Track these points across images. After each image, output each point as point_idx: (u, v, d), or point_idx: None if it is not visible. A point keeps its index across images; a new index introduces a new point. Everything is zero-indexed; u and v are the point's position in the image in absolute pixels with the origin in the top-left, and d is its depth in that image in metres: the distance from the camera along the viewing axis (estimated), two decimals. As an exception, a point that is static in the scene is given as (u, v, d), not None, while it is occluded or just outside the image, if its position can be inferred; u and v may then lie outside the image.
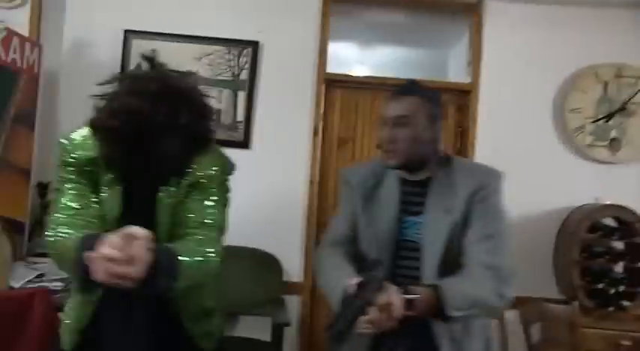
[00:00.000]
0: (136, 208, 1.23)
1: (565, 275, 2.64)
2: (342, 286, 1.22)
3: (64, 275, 2.22)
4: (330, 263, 1.39)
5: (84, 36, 2.73)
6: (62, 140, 1.24)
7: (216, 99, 2.69)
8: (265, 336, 2.45)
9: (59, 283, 2.13)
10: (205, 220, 1.24)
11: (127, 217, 1.20)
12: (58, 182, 1.23)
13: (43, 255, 2.45)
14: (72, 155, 1.22)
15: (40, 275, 2.16)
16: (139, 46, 2.68)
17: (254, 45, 2.72)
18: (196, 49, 2.69)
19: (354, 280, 1.20)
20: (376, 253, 1.39)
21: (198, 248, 1.18)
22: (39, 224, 2.60)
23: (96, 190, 1.23)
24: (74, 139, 1.23)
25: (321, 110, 2.78)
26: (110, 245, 0.99)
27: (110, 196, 1.23)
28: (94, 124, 1.14)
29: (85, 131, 1.24)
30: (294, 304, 2.73)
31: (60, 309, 1.80)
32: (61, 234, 1.15)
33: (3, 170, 2.28)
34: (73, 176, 1.22)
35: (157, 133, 1.10)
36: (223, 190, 1.31)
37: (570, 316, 2.27)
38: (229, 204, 1.33)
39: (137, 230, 1.02)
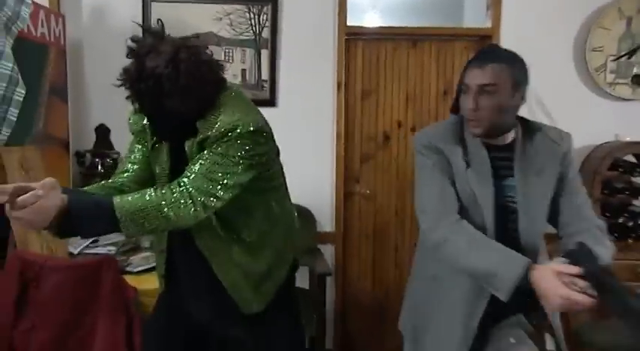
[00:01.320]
0: (177, 164, 1.36)
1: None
2: (521, 269, 1.21)
3: (116, 239, 2.37)
4: (474, 238, 1.32)
5: (102, 2, 2.72)
6: (129, 112, 1.44)
7: (240, 59, 2.72)
8: (304, 284, 2.62)
9: (113, 248, 2.27)
10: (198, 171, 1.26)
11: (174, 173, 1.34)
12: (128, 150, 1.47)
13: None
14: (132, 125, 1.46)
15: (95, 241, 2.30)
16: (158, 10, 2.67)
17: (273, 2, 2.70)
18: (216, 9, 2.67)
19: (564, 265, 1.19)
20: (479, 219, 1.36)
21: (162, 198, 1.21)
22: (81, 192, 2.72)
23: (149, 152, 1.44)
24: (131, 112, 1.43)
25: (344, 64, 2.80)
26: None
27: (156, 155, 1.41)
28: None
29: None
30: (327, 253, 2.88)
31: (123, 273, 1.98)
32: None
33: (47, 144, 2.36)
34: (135, 145, 1.46)
35: (162, 92, 1.21)
36: (237, 148, 1.27)
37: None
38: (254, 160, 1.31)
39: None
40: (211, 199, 1.25)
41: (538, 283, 1.20)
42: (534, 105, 2.82)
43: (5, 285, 1.75)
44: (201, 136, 1.28)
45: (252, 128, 1.27)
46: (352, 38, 2.84)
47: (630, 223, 2.73)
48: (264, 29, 2.71)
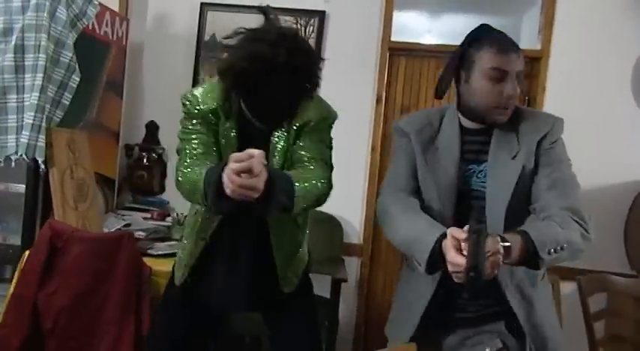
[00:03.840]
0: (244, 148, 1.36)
1: (636, 249, 2.55)
2: (433, 236, 1.20)
3: (147, 226, 2.50)
4: (407, 212, 1.33)
5: (166, 9, 2.96)
6: (187, 95, 1.42)
7: (284, 68, 2.83)
8: (325, 293, 2.61)
9: (143, 233, 2.40)
10: (316, 156, 1.39)
11: None
12: (184, 133, 1.42)
13: (130, 208, 2.76)
14: (196, 107, 1.39)
15: (127, 225, 2.44)
16: (213, 18, 2.86)
17: (321, 14, 2.80)
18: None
19: (459, 230, 1.16)
20: (439, 204, 1.36)
21: (310, 175, 1.33)
22: (126, 182, 2.91)
23: (216, 139, 1.41)
24: (197, 94, 1.41)
25: (385, 78, 2.83)
26: (235, 160, 1.15)
27: (228, 142, 1.40)
28: (222, 70, 1.29)
29: (205, 87, 1.43)
30: (353, 265, 2.85)
31: (144, 254, 2.08)
32: (188, 174, 1.34)
33: (96, 131, 2.57)
34: (197, 127, 1.40)
35: (276, 75, 1.25)
36: (329, 134, 1.46)
37: (636, 289, 2.20)
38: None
39: (252, 150, 1.17)
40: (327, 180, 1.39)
41: (443, 251, 1.16)
42: (582, 131, 2.69)
43: (37, 250, 1.90)
44: (302, 121, 1.38)
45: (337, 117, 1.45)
46: (396, 54, 2.87)
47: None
48: (310, 41, 2.82)
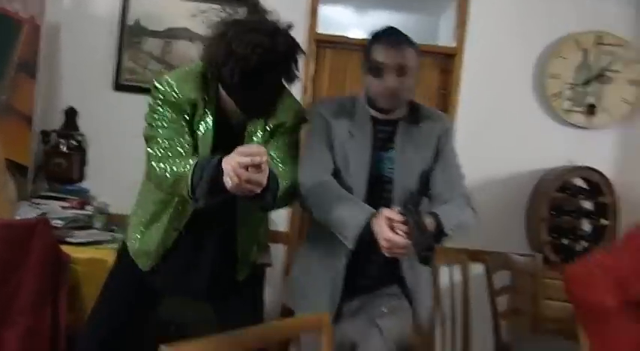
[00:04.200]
0: (226, 146, 1.34)
1: (534, 231, 2.82)
2: (365, 217, 1.35)
3: (66, 215, 2.41)
4: (336, 194, 1.44)
5: (84, -10, 2.83)
6: (162, 81, 1.37)
7: (211, 55, 2.81)
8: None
9: (60, 221, 2.31)
10: (287, 157, 1.45)
11: (218, 152, 1.33)
12: (154, 119, 1.37)
13: (47, 197, 2.63)
14: (174, 95, 1.35)
15: (43, 214, 2.34)
16: (136, 2, 2.78)
17: (249, 4, 2.81)
18: (192, 6, 2.79)
19: (394, 211, 1.33)
20: (353, 187, 1.50)
21: (284, 176, 1.38)
22: (43, 169, 2.77)
23: (189, 129, 1.39)
24: (172, 81, 1.37)
25: (311, 70, 2.90)
26: (243, 154, 1.16)
27: (204, 134, 1.38)
28: (216, 59, 1.28)
29: (177, 74, 1.40)
30: (279, 252, 2.92)
31: (62, 242, 2.01)
32: (170, 166, 1.30)
33: (7, 115, 2.42)
34: (172, 115, 1.36)
35: (273, 65, 1.27)
36: (299, 134, 1.52)
37: (533, 267, 2.45)
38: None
39: (257, 145, 1.22)
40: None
41: (374, 229, 1.32)
42: (492, 124, 2.92)
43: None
44: (278, 122, 1.43)
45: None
46: (322, 46, 2.95)
47: (577, 246, 2.80)
48: (237, 29, 2.82)
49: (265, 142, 1.43)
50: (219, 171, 1.19)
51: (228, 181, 1.16)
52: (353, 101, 1.57)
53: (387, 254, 1.31)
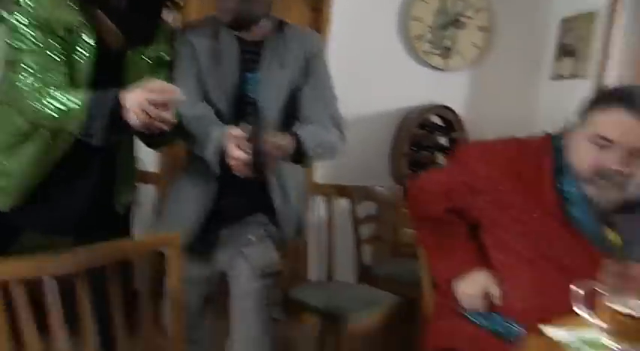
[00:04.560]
0: (106, 77, 1.29)
1: (396, 166, 3.05)
2: (220, 132, 1.36)
3: None
4: (199, 112, 1.46)
5: None
6: None
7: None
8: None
9: None
10: None
11: (97, 84, 1.28)
12: (22, 42, 1.22)
13: None
14: (44, 16, 1.22)
15: None
16: None
17: None
18: None
19: (238, 129, 1.34)
20: (221, 109, 1.50)
21: None
22: None
23: (64, 55, 1.26)
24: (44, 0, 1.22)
25: None
26: (151, 90, 1.13)
27: (84, 63, 1.29)
28: None
29: None
30: (149, 192, 2.81)
31: None
32: (57, 99, 1.18)
33: None
34: (45, 38, 1.23)
35: None
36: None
37: (394, 199, 2.66)
38: None
39: (161, 82, 1.18)
40: None
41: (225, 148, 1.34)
42: (360, 64, 3.03)
43: None
44: (156, 53, 1.41)
45: None
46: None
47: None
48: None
49: (151, 74, 1.39)
50: (119, 107, 1.14)
51: (134, 118, 1.13)
52: (218, 23, 1.52)
53: (237, 174, 1.34)
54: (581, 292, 1.01)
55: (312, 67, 1.56)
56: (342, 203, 2.63)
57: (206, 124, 1.44)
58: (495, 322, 1.28)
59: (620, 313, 0.94)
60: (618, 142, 1.18)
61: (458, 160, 1.43)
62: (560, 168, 1.28)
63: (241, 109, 1.52)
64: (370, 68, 3.04)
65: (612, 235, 1.26)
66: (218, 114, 1.50)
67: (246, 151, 1.31)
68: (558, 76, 3.13)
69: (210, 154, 1.40)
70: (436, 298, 1.47)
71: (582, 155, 1.23)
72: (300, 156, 1.47)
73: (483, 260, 1.34)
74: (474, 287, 1.30)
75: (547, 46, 3.20)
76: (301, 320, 1.93)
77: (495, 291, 1.29)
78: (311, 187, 2.57)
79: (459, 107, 3.10)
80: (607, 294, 0.96)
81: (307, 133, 1.47)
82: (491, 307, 1.29)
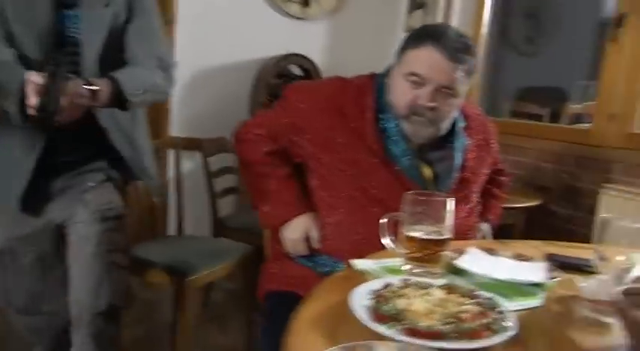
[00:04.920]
0: None
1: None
2: (21, 77, 1.20)
3: None
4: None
5: None
6: None
7: None
8: None
9: None
10: None
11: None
12: None
13: None
14: None
15: None
16: None
17: None
18: None
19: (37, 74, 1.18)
20: (35, 51, 1.32)
21: None
22: None
23: None
24: None
25: None
26: None
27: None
28: None
29: None
30: None
31: None
32: None
33: None
34: None
35: None
36: None
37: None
38: None
39: None
40: None
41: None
42: (217, 13, 2.86)
43: None
44: None
45: None
46: None
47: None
48: None
49: None
50: None
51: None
52: None
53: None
54: (384, 222, 1.05)
55: (138, 6, 1.44)
56: (197, 156, 2.53)
57: (7, 72, 1.26)
58: (320, 263, 1.31)
59: (414, 238, 0.99)
60: (428, 78, 1.22)
61: (283, 100, 1.41)
62: (381, 106, 1.31)
63: (60, 49, 1.35)
64: (227, 17, 2.89)
65: (426, 170, 1.32)
66: (28, 59, 1.32)
67: (39, 96, 1.18)
68: (410, 29, 3.24)
69: (10, 104, 1.24)
70: (271, 242, 1.47)
71: (399, 93, 1.27)
72: (121, 101, 1.36)
73: (308, 202, 1.35)
74: (295, 232, 1.31)
75: (402, -1, 3.30)
76: (147, 278, 1.83)
77: (315, 234, 1.31)
78: (165, 141, 2.42)
79: (317, 57, 3.09)
80: (405, 222, 1.01)
81: (126, 76, 1.36)
82: (317, 249, 1.32)
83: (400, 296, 0.80)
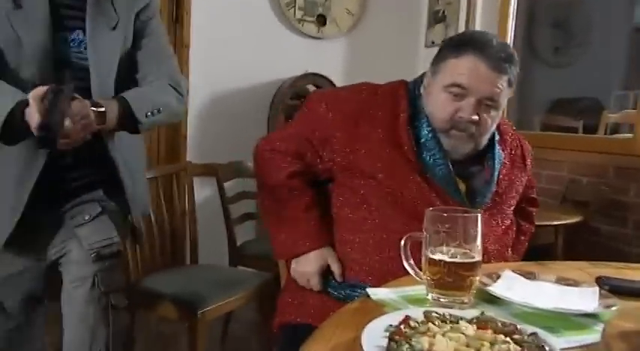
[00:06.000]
0: None
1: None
2: (11, 99, 1.13)
3: None
4: None
5: None
6: None
7: None
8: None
9: None
10: None
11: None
12: None
13: None
14: None
15: None
16: None
17: None
18: None
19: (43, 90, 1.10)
20: (33, 76, 1.23)
21: None
22: None
23: None
24: None
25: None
26: None
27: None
28: None
29: None
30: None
31: None
32: None
33: None
34: None
35: None
36: None
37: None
38: None
39: None
40: None
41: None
42: (230, 34, 2.83)
43: None
44: None
45: None
46: None
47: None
48: None
49: None
50: None
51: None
52: None
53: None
54: (405, 244, 0.92)
55: (144, 25, 1.38)
56: (213, 182, 2.45)
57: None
58: (339, 288, 1.19)
59: (438, 262, 0.85)
60: (471, 89, 1.12)
61: (305, 110, 1.31)
62: (415, 113, 1.21)
63: (64, 74, 1.26)
64: (242, 39, 2.87)
65: (461, 185, 1.20)
66: (24, 83, 1.22)
67: (41, 115, 1.08)
68: (431, 43, 3.14)
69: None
70: (285, 271, 1.34)
71: (438, 106, 1.17)
72: (130, 122, 1.28)
73: (328, 232, 1.23)
74: (307, 265, 1.21)
75: (421, 13, 3.20)
76: (157, 311, 1.73)
77: (336, 267, 1.19)
78: (181, 167, 2.35)
79: (334, 75, 3.01)
80: (428, 243, 0.88)
81: (136, 96, 1.29)
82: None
83: (421, 333, 0.66)
